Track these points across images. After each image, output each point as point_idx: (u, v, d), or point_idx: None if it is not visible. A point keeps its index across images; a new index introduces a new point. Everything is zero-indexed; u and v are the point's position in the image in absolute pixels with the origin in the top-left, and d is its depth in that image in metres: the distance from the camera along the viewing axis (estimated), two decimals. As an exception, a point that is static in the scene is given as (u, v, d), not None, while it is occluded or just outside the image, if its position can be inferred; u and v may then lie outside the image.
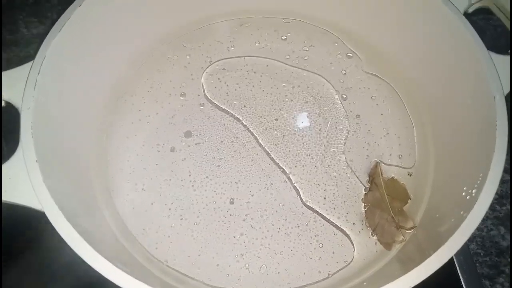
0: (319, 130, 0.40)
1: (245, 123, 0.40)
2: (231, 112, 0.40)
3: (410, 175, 0.38)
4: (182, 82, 0.42)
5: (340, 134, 0.40)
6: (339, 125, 0.40)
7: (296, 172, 0.38)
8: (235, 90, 0.41)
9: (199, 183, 0.37)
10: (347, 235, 0.36)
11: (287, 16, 0.44)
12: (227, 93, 0.41)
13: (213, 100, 0.41)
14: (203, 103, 0.41)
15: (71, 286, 0.36)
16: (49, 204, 0.27)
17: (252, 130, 0.40)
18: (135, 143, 0.39)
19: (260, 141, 0.39)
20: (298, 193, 0.37)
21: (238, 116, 0.40)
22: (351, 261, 0.35)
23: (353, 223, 0.36)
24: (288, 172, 0.38)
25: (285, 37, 0.44)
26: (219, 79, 0.42)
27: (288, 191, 0.37)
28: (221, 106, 0.40)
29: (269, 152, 0.39)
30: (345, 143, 0.39)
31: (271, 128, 0.40)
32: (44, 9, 0.51)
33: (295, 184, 0.38)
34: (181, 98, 0.41)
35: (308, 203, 0.37)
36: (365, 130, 0.40)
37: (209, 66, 0.42)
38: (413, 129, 0.40)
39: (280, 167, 0.38)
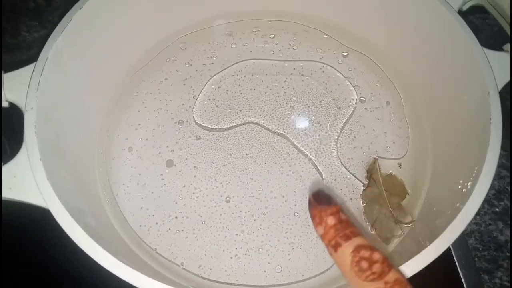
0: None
1: (255, 121, 0.41)
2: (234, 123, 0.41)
3: (400, 165, 0.39)
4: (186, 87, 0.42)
5: (346, 112, 0.41)
6: (349, 96, 0.41)
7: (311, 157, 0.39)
8: (233, 98, 0.42)
9: (202, 183, 0.38)
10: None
11: (269, 17, 0.45)
12: (217, 117, 0.41)
13: (210, 127, 0.41)
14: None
15: (75, 284, 0.37)
16: (53, 201, 0.27)
17: (263, 123, 0.41)
18: (137, 143, 0.39)
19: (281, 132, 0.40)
20: (302, 185, 0.38)
21: (250, 120, 0.41)
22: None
23: (354, 220, 0.37)
24: (306, 156, 0.39)
25: (273, 35, 0.45)
26: (209, 99, 0.42)
27: (294, 184, 0.38)
28: (221, 127, 0.41)
29: (292, 140, 0.40)
30: (343, 127, 0.40)
31: (284, 117, 0.41)
32: (46, 13, 0.52)
33: (300, 175, 0.38)
34: (184, 105, 0.42)
35: (306, 197, 0.37)
36: (361, 125, 0.40)
37: (201, 90, 0.42)
38: (408, 123, 0.40)
39: (302, 154, 0.39)
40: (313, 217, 0.26)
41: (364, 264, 0.23)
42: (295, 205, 0.37)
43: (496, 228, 0.41)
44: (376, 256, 0.23)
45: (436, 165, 0.37)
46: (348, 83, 0.42)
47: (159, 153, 0.39)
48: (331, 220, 0.24)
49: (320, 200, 0.26)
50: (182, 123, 0.40)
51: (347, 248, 0.23)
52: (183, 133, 0.40)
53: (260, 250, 0.36)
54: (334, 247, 0.24)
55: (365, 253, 0.23)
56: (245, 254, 0.35)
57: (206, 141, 0.40)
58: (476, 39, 0.32)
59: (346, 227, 0.24)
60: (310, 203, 0.26)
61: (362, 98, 0.42)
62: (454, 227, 0.27)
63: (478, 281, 0.38)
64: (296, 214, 0.37)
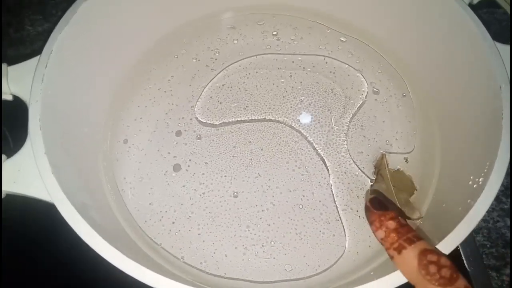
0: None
1: (263, 117, 0.40)
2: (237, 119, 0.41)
3: (406, 160, 0.38)
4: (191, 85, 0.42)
5: (354, 104, 0.41)
6: (360, 88, 0.41)
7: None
8: (237, 94, 0.41)
9: (208, 179, 0.38)
10: (353, 226, 0.36)
11: (272, 11, 0.44)
12: (222, 113, 0.41)
13: (214, 123, 0.40)
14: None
15: (80, 278, 0.37)
16: (58, 195, 0.27)
17: (275, 118, 0.40)
18: (141, 138, 0.39)
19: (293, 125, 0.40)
20: (308, 180, 0.38)
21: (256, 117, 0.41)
22: (357, 253, 0.35)
23: (360, 216, 0.36)
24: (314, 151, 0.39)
25: (276, 32, 0.44)
26: (211, 96, 0.41)
27: (300, 178, 0.38)
28: (227, 121, 0.40)
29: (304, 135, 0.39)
30: (352, 118, 0.40)
31: (293, 111, 0.40)
32: (50, 7, 0.51)
33: (307, 170, 0.38)
34: (189, 103, 0.41)
35: (314, 194, 0.37)
36: (369, 120, 0.40)
37: (204, 89, 0.42)
38: (416, 118, 0.40)
39: (312, 147, 0.39)
40: (372, 222, 0.27)
41: (432, 268, 0.23)
42: (301, 198, 0.37)
43: (504, 224, 0.41)
44: (444, 261, 0.23)
45: (444, 161, 0.36)
46: (359, 75, 0.42)
47: (164, 149, 0.39)
48: (392, 224, 0.26)
49: (377, 206, 0.28)
50: (186, 119, 0.40)
51: (412, 251, 0.24)
52: (188, 129, 0.40)
53: (269, 244, 0.35)
54: (397, 249, 0.25)
55: (432, 257, 0.24)
56: (253, 249, 0.35)
57: (212, 137, 0.39)
58: (487, 33, 0.32)
59: (408, 231, 0.25)
60: (367, 209, 0.28)
61: (375, 90, 0.41)
62: (464, 224, 0.27)
63: (486, 278, 0.38)
64: (301, 207, 0.36)
